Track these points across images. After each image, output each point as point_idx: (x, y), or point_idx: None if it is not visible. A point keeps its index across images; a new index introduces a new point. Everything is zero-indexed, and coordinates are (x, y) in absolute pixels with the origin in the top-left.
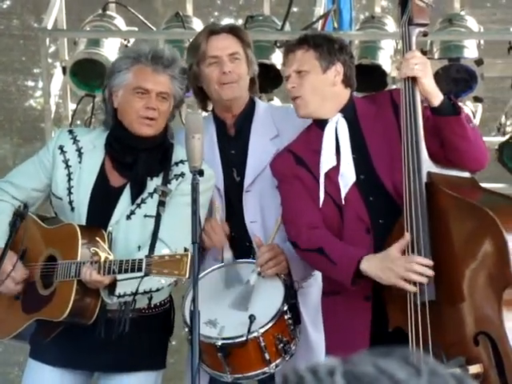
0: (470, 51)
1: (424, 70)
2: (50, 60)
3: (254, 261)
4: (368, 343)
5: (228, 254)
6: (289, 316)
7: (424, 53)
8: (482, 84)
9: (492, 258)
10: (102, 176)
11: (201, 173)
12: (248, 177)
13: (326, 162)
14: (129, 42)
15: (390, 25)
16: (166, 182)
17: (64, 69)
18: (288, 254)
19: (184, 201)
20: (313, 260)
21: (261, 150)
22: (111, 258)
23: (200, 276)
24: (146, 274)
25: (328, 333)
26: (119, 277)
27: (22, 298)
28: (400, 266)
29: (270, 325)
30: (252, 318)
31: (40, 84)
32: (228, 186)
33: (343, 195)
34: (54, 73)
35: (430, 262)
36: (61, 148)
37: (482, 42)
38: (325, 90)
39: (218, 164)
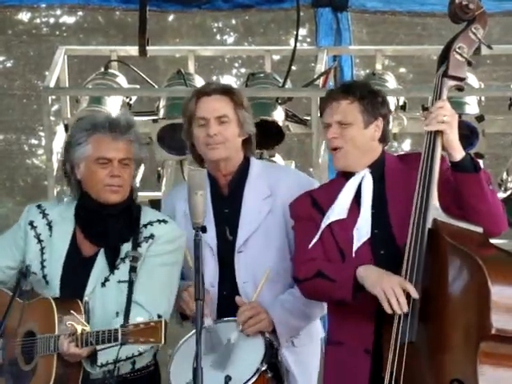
0: (471, 107)
1: (451, 123)
2: (52, 118)
3: (234, 318)
4: None
5: (208, 321)
6: (270, 375)
7: (426, 109)
8: (483, 140)
9: (474, 306)
10: (73, 247)
11: (203, 229)
12: (240, 237)
13: (337, 212)
14: (131, 99)
15: (391, 81)
16: (136, 245)
17: (66, 127)
18: (276, 312)
19: (157, 262)
20: (316, 286)
21: (254, 210)
22: (88, 329)
23: (183, 340)
24: (123, 344)
25: (329, 381)
26: (98, 347)
27: (5, 376)
28: (390, 281)
29: None
30: (227, 379)
31: (43, 142)
32: (220, 244)
33: (355, 248)
34: (56, 131)
35: (416, 296)
36: (31, 223)
37: (482, 98)
38: (364, 145)
39: (211, 222)
